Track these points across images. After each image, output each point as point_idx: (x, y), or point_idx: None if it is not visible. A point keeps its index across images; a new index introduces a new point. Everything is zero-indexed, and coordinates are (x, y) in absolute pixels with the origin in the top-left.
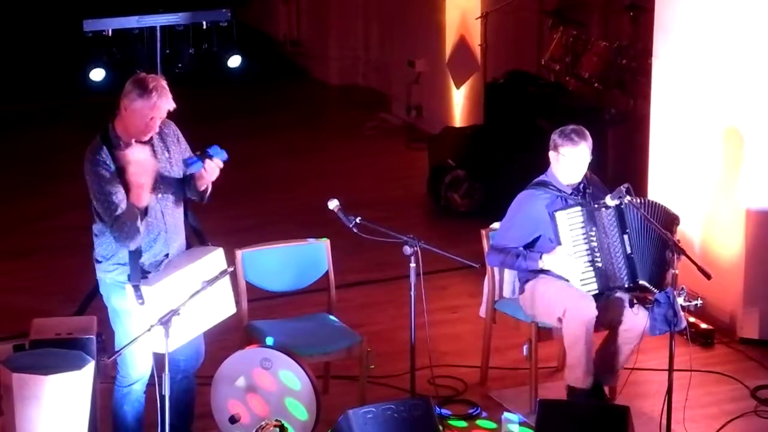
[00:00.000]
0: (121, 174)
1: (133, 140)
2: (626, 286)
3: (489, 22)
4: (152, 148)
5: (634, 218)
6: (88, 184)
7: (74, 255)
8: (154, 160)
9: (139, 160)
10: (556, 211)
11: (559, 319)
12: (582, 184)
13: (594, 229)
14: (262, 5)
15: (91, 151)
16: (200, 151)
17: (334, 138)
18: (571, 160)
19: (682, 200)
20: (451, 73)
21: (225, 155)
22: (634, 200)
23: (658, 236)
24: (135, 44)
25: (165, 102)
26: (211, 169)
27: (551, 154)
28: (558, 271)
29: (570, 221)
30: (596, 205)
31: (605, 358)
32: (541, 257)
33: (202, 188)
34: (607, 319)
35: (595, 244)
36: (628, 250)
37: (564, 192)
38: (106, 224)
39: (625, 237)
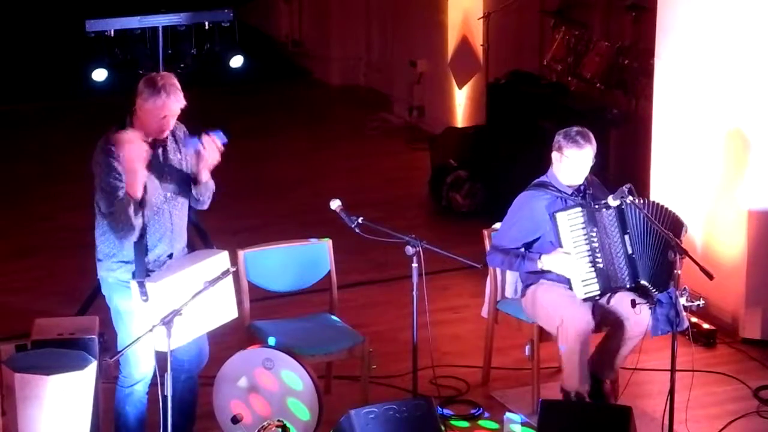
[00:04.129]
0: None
1: (150, 138)
2: (627, 286)
3: (491, 23)
4: (165, 148)
5: (636, 219)
6: (96, 172)
7: (75, 255)
8: (146, 146)
9: (132, 143)
10: (556, 212)
11: (557, 328)
12: (582, 186)
13: (595, 229)
14: (264, 5)
15: (105, 140)
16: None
17: (335, 138)
18: (574, 162)
19: (684, 200)
20: (453, 74)
21: (224, 138)
22: (638, 201)
23: (661, 237)
24: (137, 44)
25: (174, 100)
26: (210, 145)
27: (554, 154)
28: (558, 271)
29: (570, 222)
30: (596, 206)
31: (605, 355)
32: (539, 258)
33: (202, 175)
34: (610, 319)
35: (596, 244)
36: (629, 251)
37: (564, 193)
38: (105, 216)
39: (626, 237)
